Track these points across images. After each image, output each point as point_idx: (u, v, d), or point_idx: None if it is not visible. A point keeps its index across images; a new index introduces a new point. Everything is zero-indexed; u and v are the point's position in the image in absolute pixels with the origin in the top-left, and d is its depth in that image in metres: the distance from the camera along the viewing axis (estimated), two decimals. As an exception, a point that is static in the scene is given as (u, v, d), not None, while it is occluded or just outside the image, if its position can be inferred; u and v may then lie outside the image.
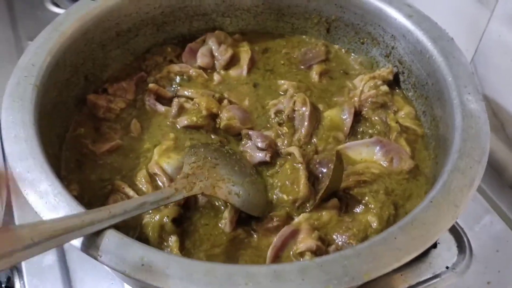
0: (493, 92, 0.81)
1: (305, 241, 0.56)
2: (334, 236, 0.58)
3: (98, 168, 0.66)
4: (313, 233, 0.57)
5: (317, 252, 0.56)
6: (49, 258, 0.71)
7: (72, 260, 0.71)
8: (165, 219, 0.57)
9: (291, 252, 0.57)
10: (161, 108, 0.73)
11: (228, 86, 0.78)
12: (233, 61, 0.80)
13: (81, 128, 0.70)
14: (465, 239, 0.74)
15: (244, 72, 0.79)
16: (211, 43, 0.81)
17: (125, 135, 0.70)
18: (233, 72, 0.79)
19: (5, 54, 1.01)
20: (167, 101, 0.75)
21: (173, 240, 0.56)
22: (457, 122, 0.58)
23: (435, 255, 0.72)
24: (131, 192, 0.61)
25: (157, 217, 0.57)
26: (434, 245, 0.73)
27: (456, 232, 0.75)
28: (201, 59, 0.80)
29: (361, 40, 0.81)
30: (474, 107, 0.59)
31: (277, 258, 0.56)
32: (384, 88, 0.73)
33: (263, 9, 0.85)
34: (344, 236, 0.58)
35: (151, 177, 0.64)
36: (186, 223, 0.59)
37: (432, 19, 0.70)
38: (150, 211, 0.58)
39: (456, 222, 0.75)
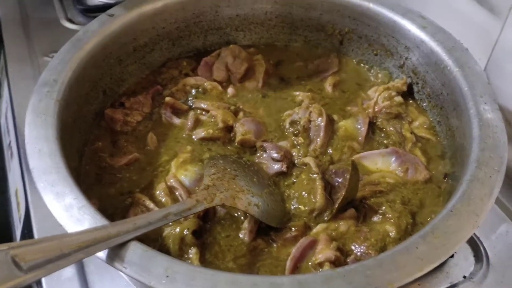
0: (506, 102, 0.81)
1: (324, 252, 0.56)
2: (352, 247, 0.58)
3: (117, 181, 0.67)
4: (332, 243, 0.57)
5: (336, 263, 0.56)
6: (68, 270, 0.72)
7: (91, 272, 0.71)
8: (185, 231, 0.57)
9: (309, 263, 0.57)
10: (177, 120, 0.74)
11: (242, 99, 0.79)
12: (248, 74, 0.81)
13: (99, 142, 0.71)
14: (481, 248, 0.74)
15: (260, 84, 0.80)
16: (226, 57, 0.82)
17: (142, 148, 0.71)
18: (248, 84, 0.81)
19: (20, 70, 1.02)
20: (183, 114, 0.76)
21: (193, 252, 0.57)
22: (474, 132, 0.59)
23: (452, 265, 0.72)
24: (151, 205, 0.62)
25: (178, 229, 0.57)
26: (451, 255, 0.73)
27: (472, 241, 0.75)
28: (217, 72, 0.81)
29: (375, 52, 0.82)
30: (491, 116, 0.59)
31: (296, 268, 0.57)
32: (398, 99, 0.74)
33: (276, 23, 0.87)
34: (362, 247, 0.58)
35: (170, 190, 0.64)
36: (205, 235, 0.60)
37: (446, 30, 0.71)
38: (171, 223, 0.58)
39: (473, 232, 0.75)
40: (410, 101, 0.77)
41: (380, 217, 0.61)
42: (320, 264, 0.56)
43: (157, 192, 0.64)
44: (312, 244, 0.58)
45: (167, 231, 0.58)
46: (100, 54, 0.72)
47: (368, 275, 0.45)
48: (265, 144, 0.68)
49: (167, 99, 0.75)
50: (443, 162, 0.68)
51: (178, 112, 0.76)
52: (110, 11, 0.76)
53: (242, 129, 0.70)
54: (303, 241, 0.58)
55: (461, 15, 0.84)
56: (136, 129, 0.74)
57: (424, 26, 0.72)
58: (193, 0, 0.82)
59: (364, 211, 0.62)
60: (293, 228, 0.60)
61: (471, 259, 0.73)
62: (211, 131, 0.70)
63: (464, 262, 0.72)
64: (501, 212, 0.79)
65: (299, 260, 0.57)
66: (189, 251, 0.57)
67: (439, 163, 0.68)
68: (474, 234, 0.75)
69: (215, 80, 0.81)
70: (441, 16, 0.75)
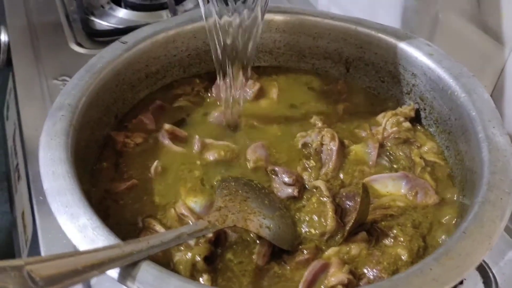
0: (512, 129, 0.82)
1: (336, 275, 0.56)
2: (364, 270, 0.58)
3: (119, 209, 0.65)
4: (344, 266, 0.57)
5: (348, 286, 0.56)
6: (76, 294, 0.71)
7: (100, 297, 0.71)
8: (197, 258, 0.57)
9: (322, 286, 0.57)
10: (178, 148, 0.73)
11: (254, 117, 0.79)
12: (260, 94, 0.83)
13: (103, 162, 0.71)
14: (490, 274, 0.74)
15: (275, 100, 0.82)
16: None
17: (142, 173, 0.70)
18: (262, 102, 0.82)
19: (29, 92, 1.03)
20: (182, 141, 0.75)
21: (204, 279, 0.56)
22: (484, 156, 0.59)
23: (462, 291, 0.72)
24: (162, 230, 0.61)
25: (189, 255, 0.57)
26: (461, 282, 0.72)
27: (481, 267, 0.74)
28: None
29: (382, 79, 0.83)
30: (500, 140, 0.60)
31: (308, 292, 0.56)
32: (407, 124, 0.75)
33: (285, 51, 0.89)
34: (375, 270, 0.58)
35: (179, 218, 0.64)
36: (217, 260, 0.59)
37: (452, 57, 0.73)
38: (182, 248, 0.58)
39: (482, 258, 0.75)
40: (418, 127, 0.78)
41: (392, 240, 0.61)
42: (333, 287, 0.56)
43: (166, 220, 0.64)
44: (324, 268, 0.58)
45: (178, 256, 0.57)
46: (113, 79, 0.74)
47: (384, 296, 0.45)
48: (276, 168, 0.69)
49: (166, 126, 0.75)
50: (453, 186, 0.69)
51: (177, 139, 0.75)
52: (123, 39, 0.78)
53: (254, 157, 0.71)
54: (315, 265, 0.58)
55: (466, 43, 0.86)
56: (137, 152, 0.73)
57: (430, 53, 0.74)
58: (204, 29, 0.83)
59: (375, 234, 0.62)
60: (305, 251, 0.60)
61: (481, 285, 0.73)
62: (222, 153, 0.71)
63: (474, 289, 0.72)
64: (509, 238, 0.79)
65: (311, 284, 0.57)
66: (201, 278, 0.56)
67: (448, 187, 0.69)
68: (483, 260, 0.75)
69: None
70: (447, 44, 0.77)
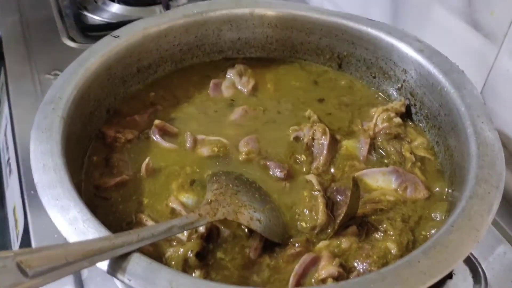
0: (502, 125, 0.83)
1: (327, 268, 0.57)
2: (354, 263, 0.59)
3: (108, 208, 0.65)
4: (334, 260, 0.58)
5: (338, 279, 0.56)
6: (66, 290, 0.71)
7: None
8: (189, 254, 0.57)
9: (312, 279, 0.57)
10: (169, 144, 0.73)
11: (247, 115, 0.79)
12: (256, 88, 0.84)
13: (93, 156, 0.71)
14: (480, 269, 0.75)
15: (272, 92, 0.83)
16: (233, 76, 0.84)
17: (133, 169, 0.69)
18: (260, 96, 0.83)
19: (21, 87, 1.03)
20: (173, 137, 0.75)
21: (196, 274, 0.56)
22: (473, 151, 0.60)
23: (452, 286, 0.72)
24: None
25: (181, 250, 0.57)
26: (450, 276, 0.73)
27: (471, 262, 0.75)
28: (227, 92, 0.83)
29: (373, 74, 0.84)
30: (488, 135, 0.61)
31: (299, 285, 0.57)
32: (397, 120, 0.75)
33: (277, 46, 0.89)
34: (365, 263, 0.58)
35: (172, 212, 0.64)
36: (209, 256, 0.59)
37: (442, 53, 0.73)
38: (174, 243, 0.59)
39: (471, 253, 0.75)
40: (409, 122, 0.78)
41: (382, 234, 0.61)
42: (323, 280, 0.56)
43: (159, 215, 0.63)
44: (315, 261, 0.58)
45: (170, 252, 0.58)
46: (104, 74, 0.74)
47: (372, 288, 0.45)
48: (268, 163, 0.69)
49: (156, 121, 0.74)
50: (442, 181, 0.69)
51: (168, 134, 0.75)
52: (115, 33, 0.77)
53: (247, 149, 0.72)
54: (305, 258, 0.58)
55: (457, 40, 0.87)
56: (128, 148, 0.73)
57: (421, 50, 0.75)
58: (197, 24, 0.84)
59: (365, 228, 0.62)
60: (296, 244, 0.60)
61: (470, 280, 0.73)
62: (215, 149, 0.71)
63: (463, 283, 0.73)
64: (498, 234, 0.79)
65: (302, 277, 0.57)
66: (193, 273, 0.57)
67: (438, 182, 0.69)
68: (472, 255, 0.76)
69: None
70: (437, 40, 0.77)
